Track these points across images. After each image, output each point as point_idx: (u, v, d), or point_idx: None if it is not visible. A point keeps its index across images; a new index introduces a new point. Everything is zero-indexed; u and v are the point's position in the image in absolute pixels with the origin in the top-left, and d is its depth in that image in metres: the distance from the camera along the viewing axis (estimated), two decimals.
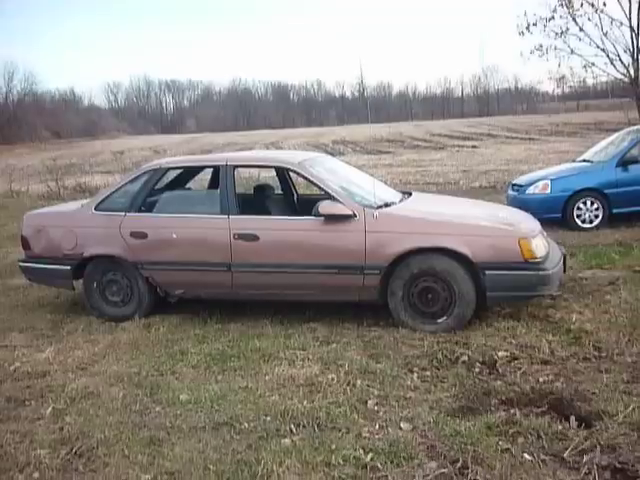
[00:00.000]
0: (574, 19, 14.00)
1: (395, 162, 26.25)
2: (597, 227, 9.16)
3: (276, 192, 6.77)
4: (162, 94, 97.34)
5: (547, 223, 8.83)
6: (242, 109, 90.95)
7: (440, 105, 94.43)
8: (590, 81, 16.96)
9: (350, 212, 5.11)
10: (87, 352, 4.97)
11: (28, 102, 71.29)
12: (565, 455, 3.06)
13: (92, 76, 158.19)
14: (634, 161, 9.33)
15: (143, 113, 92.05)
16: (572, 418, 3.44)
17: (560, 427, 3.34)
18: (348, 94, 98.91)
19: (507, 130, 45.57)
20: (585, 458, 3.02)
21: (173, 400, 3.98)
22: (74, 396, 4.10)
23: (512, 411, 3.57)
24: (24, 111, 66.39)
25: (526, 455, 3.07)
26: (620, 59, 14.12)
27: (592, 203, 9.29)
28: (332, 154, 34.79)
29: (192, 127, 78.64)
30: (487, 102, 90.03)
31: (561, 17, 14.10)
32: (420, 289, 5.05)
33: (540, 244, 5.10)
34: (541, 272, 4.95)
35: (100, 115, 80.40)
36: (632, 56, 13.95)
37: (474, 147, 33.35)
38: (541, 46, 14.35)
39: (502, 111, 78.20)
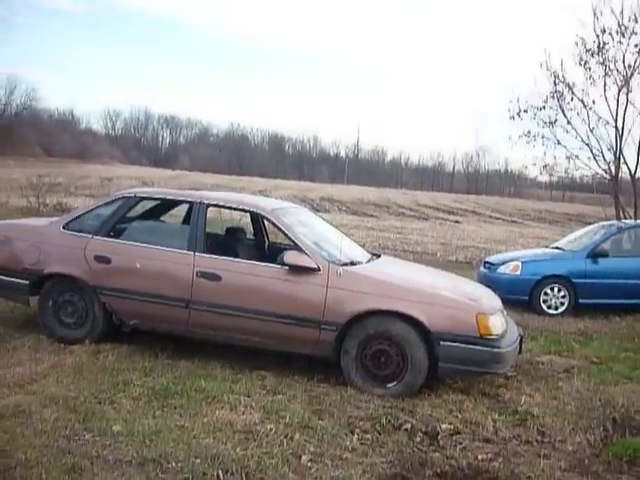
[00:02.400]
0: (563, 112, 14.48)
1: (377, 226, 26.48)
2: (562, 314, 9.26)
3: (248, 237, 6.79)
4: (160, 128, 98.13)
5: (513, 304, 8.98)
6: (236, 154, 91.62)
7: (430, 177, 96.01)
8: (576, 173, 17.37)
9: (314, 265, 5.13)
10: (29, 370, 4.86)
11: (25, 117, 71.47)
12: None
13: (94, 100, 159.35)
14: (604, 254, 9.53)
15: (138, 144, 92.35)
16: None
17: None
18: (342, 154, 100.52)
19: (492, 210, 46.35)
20: None
21: (105, 430, 3.88)
22: (4, 413, 3.99)
23: None
24: (20, 125, 66.44)
25: None
26: (603, 156, 14.57)
27: (559, 290, 9.42)
28: (317, 210, 35.09)
29: (185, 164, 78.85)
30: (476, 180, 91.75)
31: (551, 108, 14.59)
32: (374, 351, 5.03)
33: (497, 322, 5.13)
34: (495, 349, 4.97)
35: (95, 140, 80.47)
36: (614, 154, 14.40)
37: (457, 222, 33.83)
38: (529, 132, 14.78)
39: (490, 191, 79.58)
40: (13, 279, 5.88)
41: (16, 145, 60.81)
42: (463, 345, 4.92)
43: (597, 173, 15.05)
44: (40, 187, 18.81)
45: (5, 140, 59.65)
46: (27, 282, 5.81)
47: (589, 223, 11.80)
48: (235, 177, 60.39)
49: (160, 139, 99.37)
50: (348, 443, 4.02)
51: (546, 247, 11.38)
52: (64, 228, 5.86)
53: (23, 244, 5.92)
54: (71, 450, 3.57)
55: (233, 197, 6.49)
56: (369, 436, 4.18)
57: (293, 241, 5.34)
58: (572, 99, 14.54)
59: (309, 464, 3.67)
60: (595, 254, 9.54)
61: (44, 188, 19.43)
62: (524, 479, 3.68)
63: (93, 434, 3.81)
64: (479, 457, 3.98)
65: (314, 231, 5.94)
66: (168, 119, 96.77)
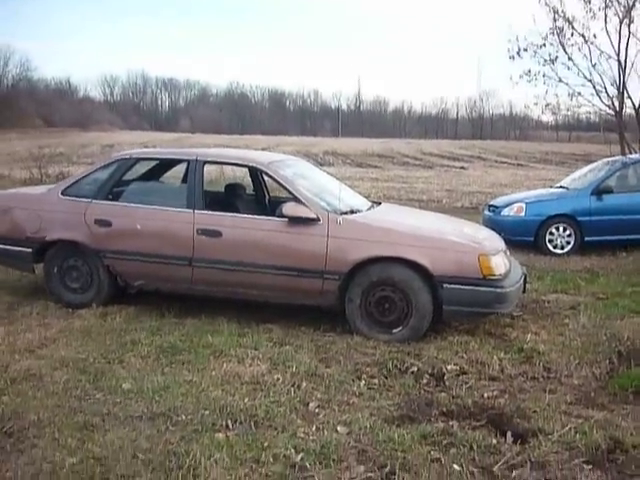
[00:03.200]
0: (564, 48, 14.17)
1: (382, 177, 26.33)
2: (568, 253, 9.23)
3: (248, 192, 6.77)
4: (158, 91, 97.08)
5: (519, 246, 8.97)
6: (237, 113, 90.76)
7: (434, 125, 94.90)
8: (580, 111, 17.10)
9: (314, 215, 5.12)
10: (38, 335, 4.92)
11: (22, 88, 70.87)
12: (494, 469, 3.07)
13: (89, 67, 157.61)
14: (609, 191, 9.44)
15: (138, 109, 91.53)
16: (509, 433, 3.45)
17: (495, 441, 3.35)
18: (344, 106, 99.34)
19: (497, 154, 45.89)
20: (514, 473, 3.03)
21: (115, 388, 3.95)
22: (15, 377, 4.07)
23: (451, 423, 3.57)
24: (17, 97, 65.95)
25: (455, 466, 3.07)
26: (606, 91, 14.31)
27: (565, 229, 9.37)
28: (321, 164, 34.89)
29: (186, 127, 78.25)
30: (481, 125, 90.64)
31: (551, 45, 14.28)
32: (378, 298, 5.05)
33: (500, 262, 5.12)
34: (499, 289, 4.98)
35: (94, 107, 79.86)
36: (618, 89, 14.14)
37: (462, 168, 33.55)
38: (530, 71, 14.50)
39: (495, 135, 78.69)
40: (17, 248, 5.91)
41: (15, 117, 60.47)
42: (466, 287, 4.93)
43: (601, 109, 14.83)
44: (41, 158, 18.74)
45: (4, 113, 59.29)
46: (30, 250, 5.85)
47: (596, 162, 11.64)
48: (237, 136, 60.03)
49: (159, 102, 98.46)
50: (355, 389, 4.07)
51: (550, 187, 11.29)
52: (62, 194, 5.86)
53: (23, 213, 5.93)
54: (82, 409, 3.63)
55: (230, 153, 6.45)
56: (376, 381, 4.23)
57: (291, 193, 5.31)
58: (572, 34, 14.22)
59: (317, 410, 3.72)
60: (600, 191, 9.44)
61: (45, 159, 19.36)
62: (530, 414, 3.71)
63: (104, 393, 3.88)
64: (485, 395, 4.02)
65: (313, 182, 5.90)
66: (166, 82, 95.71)
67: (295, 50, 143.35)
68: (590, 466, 3.08)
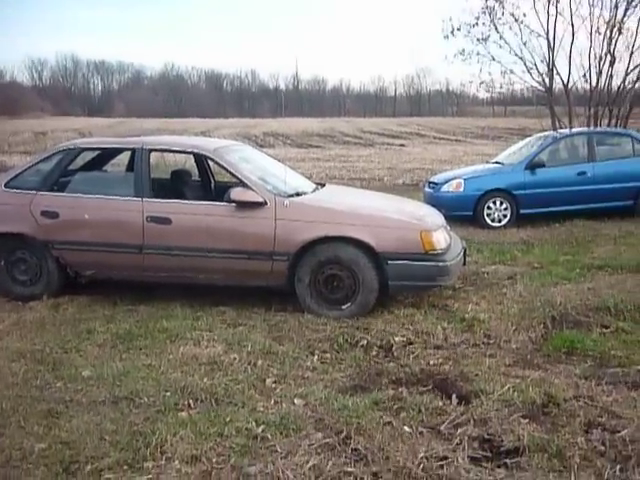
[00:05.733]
0: (495, 27, 14.60)
1: (323, 157, 26.56)
2: (505, 226, 9.64)
3: (194, 178, 6.84)
4: (90, 75, 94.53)
5: (459, 220, 9.32)
6: (173, 96, 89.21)
7: (373, 103, 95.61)
8: (513, 88, 17.64)
9: (261, 199, 5.26)
10: None
11: None
12: (442, 428, 3.32)
13: (15, 51, 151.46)
14: (542, 165, 9.89)
15: (69, 94, 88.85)
16: (454, 396, 3.72)
17: (441, 404, 3.60)
18: (282, 86, 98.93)
19: (436, 131, 46.76)
20: (459, 430, 3.28)
21: (75, 376, 4.04)
22: None
23: (400, 390, 3.81)
24: None
25: (406, 427, 3.31)
26: (537, 68, 14.83)
27: (501, 203, 9.77)
28: (262, 146, 34.80)
29: (121, 111, 76.49)
30: (419, 103, 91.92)
31: (484, 24, 14.68)
32: (326, 276, 5.25)
33: (441, 237, 5.39)
34: (441, 263, 5.25)
35: (22, 93, 76.96)
36: (547, 66, 14.67)
37: (402, 146, 34.13)
38: (464, 50, 14.90)
39: (433, 112, 79.94)
40: None
41: None
42: (410, 262, 5.18)
43: (532, 86, 15.36)
44: None
45: None
46: None
47: (530, 136, 12.10)
48: (174, 120, 59.03)
49: (92, 87, 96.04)
50: (309, 364, 4.27)
51: (487, 162, 11.70)
52: (5, 187, 5.81)
53: None
54: (45, 398, 3.72)
55: (175, 140, 6.49)
56: (328, 355, 4.45)
57: (238, 178, 5.44)
58: (503, 13, 14.64)
59: (273, 385, 3.91)
60: (533, 165, 9.87)
61: None
62: (472, 377, 3.98)
63: (64, 381, 3.97)
64: (431, 362, 4.28)
65: (258, 166, 6.03)
66: (98, 64, 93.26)
67: (232, 31, 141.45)
68: (527, 420, 3.36)
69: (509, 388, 3.75)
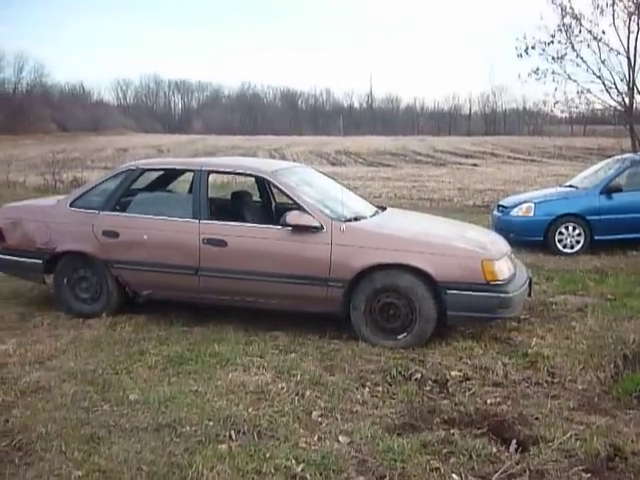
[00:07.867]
0: (572, 45, 14.11)
1: (394, 176, 26.35)
2: (578, 253, 9.19)
3: (254, 200, 6.82)
4: (171, 94, 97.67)
5: (529, 246, 8.96)
6: (249, 114, 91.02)
7: (447, 122, 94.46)
8: (591, 107, 17.01)
9: (317, 224, 5.16)
10: (48, 347, 5.01)
11: (36, 94, 71.64)
12: (493, 478, 3.10)
13: (102, 71, 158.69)
14: (618, 189, 9.39)
15: (151, 112, 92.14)
16: (513, 442, 3.47)
17: (495, 450, 3.38)
18: (356, 105, 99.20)
19: (510, 150, 45.68)
20: None
21: (122, 399, 4.02)
22: (25, 389, 4.15)
23: (452, 431, 3.60)
24: (32, 102, 66.71)
25: (454, 475, 3.11)
26: (616, 87, 14.23)
27: (574, 229, 9.33)
28: (333, 164, 34.97)
29: (199, 128, 78.71)
30: (494, 121, 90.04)
31: (559, 42, 14.22)
32: (382, 304, 5.08)
33: (504, 267, 5.14)
34: (502, 294, 4.99)
35: (107, 111, 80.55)
36: (627, 85, 14.05)
37: (474, 165, 33.50)
38: (538, 69, 14.46)
39: (508, 131, 78.22)
40: (28, 259, 6.01)
41: (31, 123, 61.18)
42: (470, 292, 4.95)
43: (610, 106, 14.73)
44: (55, 164, 18.95)
45: (20, 119, 60.02)
46: (41, 261, 5.94)
47: (610, 156, 11.54)
48: (249, 137, 60.18)
49: (172, 105, 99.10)
50: (359, 397, 4.11)
51: (560, 185, 11.24)
52: (71, 206, 5.95)
53: (34, 224, 6.03)
54: (89, 421, 3.71)
55: (234, 162, 6.50)
56: (380, 388, 4.27)
57: (295, 201, 5.36)
58: (580, 31, 14.17)
59: (319, 419, 3.77)
60: (609, 189, 9.39)
61: (59, 164, 19.56)
62: (532, 420, 3.73)
63: (111, 404, 3.96)
64: (488, 401, 4.05)
65: (318, 189, 5.95)
66: (179, 84, 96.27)
67: (307, 50, 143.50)
68: (589, 474, 3.10)
69: (571, 436, 3.48)
